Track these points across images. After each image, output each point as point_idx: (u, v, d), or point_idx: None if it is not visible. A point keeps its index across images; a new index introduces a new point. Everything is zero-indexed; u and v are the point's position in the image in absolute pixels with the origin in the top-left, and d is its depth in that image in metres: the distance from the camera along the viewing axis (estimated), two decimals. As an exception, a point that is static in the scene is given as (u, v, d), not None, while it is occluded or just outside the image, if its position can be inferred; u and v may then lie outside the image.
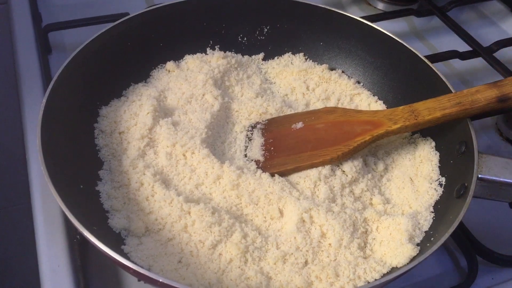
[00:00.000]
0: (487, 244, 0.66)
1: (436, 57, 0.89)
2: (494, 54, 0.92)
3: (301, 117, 0.71)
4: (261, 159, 0.68)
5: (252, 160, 0.68)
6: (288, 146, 0.69)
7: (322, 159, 0.65)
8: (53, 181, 0.54)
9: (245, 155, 0.69)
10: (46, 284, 0.60)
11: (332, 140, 0.66)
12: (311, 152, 0.66)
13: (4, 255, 1.43)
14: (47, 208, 0.66)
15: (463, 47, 0.94)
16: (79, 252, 0.62)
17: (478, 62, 0.93)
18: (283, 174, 0.66)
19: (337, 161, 0.65)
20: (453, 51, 0.91)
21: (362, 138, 0.65)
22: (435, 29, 1.05)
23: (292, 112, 0.74)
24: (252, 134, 0.72)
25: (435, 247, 0.51)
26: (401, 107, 0.66)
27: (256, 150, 0.69)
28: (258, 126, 0.72)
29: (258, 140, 0.70)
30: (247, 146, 0.70)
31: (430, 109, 0.64)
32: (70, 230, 0.64)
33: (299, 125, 0.70)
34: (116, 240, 0.58)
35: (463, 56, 0.91)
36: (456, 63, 0.95)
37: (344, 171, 0.66)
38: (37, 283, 0.61)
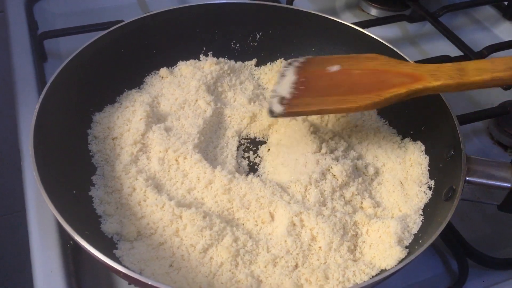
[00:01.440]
0: (478, 247, 0.66)
1: (428, 62, 0.90)
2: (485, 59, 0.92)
3: (341, 60, 0.68)
4: (288, 96, 0.65)
5: (277, 96, 0.65)
6: (318, 87, 0.65)
7: (349, 105, 0.62)
8: (45, 187, 0.55)
9: (273, 90, 0.67)
10: (39, 288, 0.60)
11: (365, 87, 0.63)
12: (340, 97, 0.63)
13: (0, 262, 1.43)
14: (41, 214, 0.67)
15: (455, 52, 0.95)
16: (72, 257, 0.63)
17: (470, 66, 0.94)
18: (305, 114, 0.64)
19: (364, 110, 0.62)
20: (445, 56, 0.92)
21: (396, 90, 0.60)
22: (427, 34, 1.06)
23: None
24: (286, 70, 0.69)
25: (422, 249, 0.52)
26: (449, 64, 0.60)
27: (285, 87, 0.66)
28: (295, 63, 0.69)
29: (290, 77, 0.67)
30: (278, 82, 0.68)
31: (481, 70, 0.58)
32: (64, 235, 0.65)
33: (336, 67, 0.66)
34: (108, 245, 0.59)
35: (454, 61, 0.92)
36: (449, 68, 0.96)
37: (334, 175, 0.66)
38: (31, 288, 0.62)
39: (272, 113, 0.64)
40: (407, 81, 0.60)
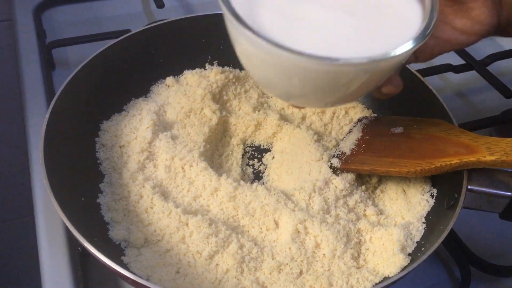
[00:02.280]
0: (480, 254, 0.67)
1: (430, 71, 0.91)
2: (487, 68, 0.93)
3: (406, 122, 0.69)
4: (347, 152, 0.68)
5: (339, 151, 0.69)
6: (377, 147, 0.67)
7: (399, 169, 0.63)
8: (55, 194, 0.56)
9: (337, 145, 0.72)
10: (48, 295, 0.62)
11: (420, 153, 0.63)
12: (393, 159, 0.64)
13: (7, 267, 1.45)
14: (50, 221, 0.68)
15: (457, 60, 0.96)
16: (81, 263, 0.64)
17: (472, 75, 0.95)
18: (358, 172, 0.67)
19: (414, 176, 0.63)
20: (447, 64, 0.93)
21: (448, 160, 0.60)
22: (430, 43, 1.07)
23: (288, 125, 0.76)
24: (354, 127, 0.72)
25: (424, 256, 0.53)
26: (509, 139, 0.59)
27: (348, 143, 0.70)
28: (364, 120, 0.72)
29: (355, 134, 0.70)
30: (345, 137, 0.72)
31: None
32: (72, 242, 0.66)
33: (399, 129, 0.68)
34: (116, 251, 0.60)
35: (456, 69, 0.93)
36: (451, 76, 0.97)
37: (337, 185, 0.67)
38: (40, 294, 0.63)
39: (330, 165, 0.68)
40: (462, 152, 0.60)
